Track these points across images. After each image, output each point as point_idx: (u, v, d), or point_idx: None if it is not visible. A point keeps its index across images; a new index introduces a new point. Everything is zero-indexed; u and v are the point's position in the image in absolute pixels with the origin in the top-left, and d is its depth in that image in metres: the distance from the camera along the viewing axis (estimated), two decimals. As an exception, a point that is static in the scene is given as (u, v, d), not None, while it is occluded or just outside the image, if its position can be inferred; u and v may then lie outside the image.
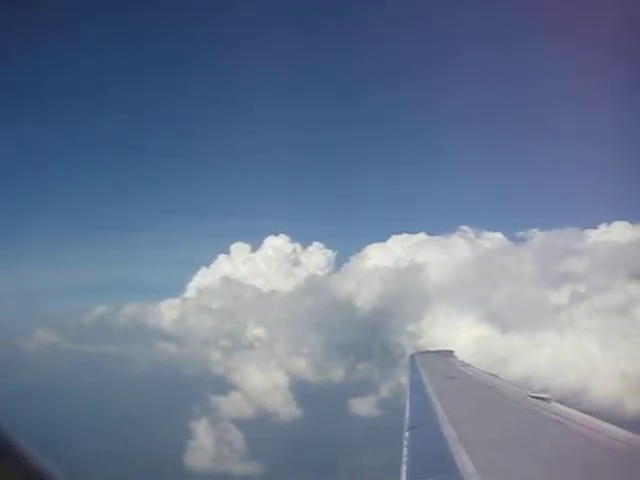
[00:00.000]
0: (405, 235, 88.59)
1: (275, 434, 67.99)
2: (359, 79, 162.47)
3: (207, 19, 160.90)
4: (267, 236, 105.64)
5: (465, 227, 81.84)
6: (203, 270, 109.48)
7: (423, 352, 25.81)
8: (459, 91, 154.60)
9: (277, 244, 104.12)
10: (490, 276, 61.66)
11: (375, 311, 69.13)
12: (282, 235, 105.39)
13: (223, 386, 79.61)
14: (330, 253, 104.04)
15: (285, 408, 75.56)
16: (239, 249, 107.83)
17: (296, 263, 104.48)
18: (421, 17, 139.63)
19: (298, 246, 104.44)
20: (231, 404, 75.48)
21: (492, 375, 18.10)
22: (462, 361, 22.11)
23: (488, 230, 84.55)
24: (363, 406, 70.51)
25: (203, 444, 66.27)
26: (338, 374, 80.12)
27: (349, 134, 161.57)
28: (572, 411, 10.98)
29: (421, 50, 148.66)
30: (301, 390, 78.07)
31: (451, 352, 25.62)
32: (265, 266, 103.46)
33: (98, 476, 52.18)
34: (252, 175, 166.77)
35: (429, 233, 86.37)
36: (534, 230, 79.10)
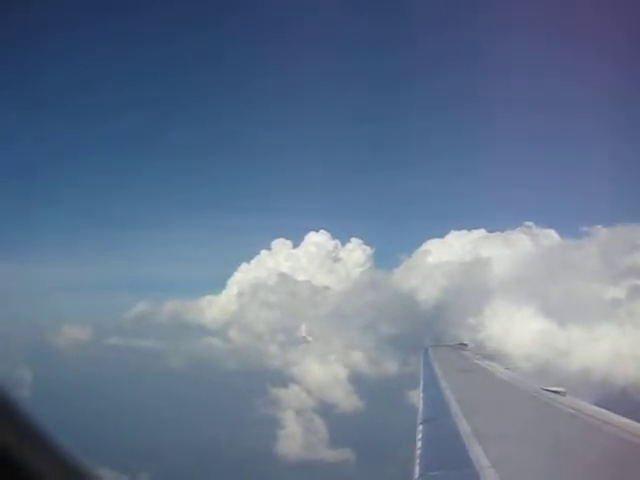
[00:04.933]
0: (464, 231, 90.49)
1: (342, 424, 70.62)
2: (407, 68, 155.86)
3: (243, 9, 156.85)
4: (303, 232, 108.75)
5: (529, 223, 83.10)
6: (244, 266, 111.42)
7: (437, 345, 25.88)
8: (514, 84, 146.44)
9: (319, 240, 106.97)
10: (551, 271, 62.61)
11: (435, 305, 69.96)
12: (323, 231, 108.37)
13: (281, 379, 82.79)
14: (368, 249, 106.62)
15: (346, 400, 78.35)
16: (280, 245, 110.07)
17: (336, 259, 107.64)
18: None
19: (338, 242, 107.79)
20: (293, 396, 78.65)
21: (506, 368, 18.19)
22: (477, 354, 22.21)
23: (550, 227, 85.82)
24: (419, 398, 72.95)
25: (289, 433, 69.33)
26: (393, 367, 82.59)
27: (393, 129, 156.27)
28: (585, 404, 11.06)
29: (471, 39, 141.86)
30: (360, 382, 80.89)
31: (465, 345, 25.72)
32: (308, 262, 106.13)
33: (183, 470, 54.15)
34: (287, 171, 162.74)
35: (489, 230, 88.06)
36: (598, 226, 79.66)
